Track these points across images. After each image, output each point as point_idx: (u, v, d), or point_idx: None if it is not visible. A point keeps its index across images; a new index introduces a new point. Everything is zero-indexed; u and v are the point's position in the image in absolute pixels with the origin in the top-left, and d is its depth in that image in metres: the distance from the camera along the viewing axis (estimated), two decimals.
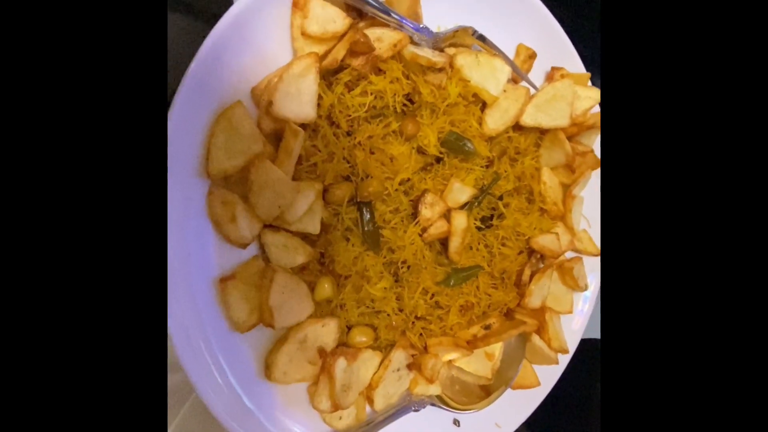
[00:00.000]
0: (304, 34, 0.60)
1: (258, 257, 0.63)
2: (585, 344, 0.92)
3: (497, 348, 0.80)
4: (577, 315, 0.90)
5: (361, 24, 0.65)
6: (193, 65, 0.54)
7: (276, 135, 0.62)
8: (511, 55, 0.80)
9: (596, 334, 1.01)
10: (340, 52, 0.61)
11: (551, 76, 0.83)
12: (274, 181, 0.57)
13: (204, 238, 0.58)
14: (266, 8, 0.59)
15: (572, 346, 0.87)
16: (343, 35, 0.63)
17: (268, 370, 0.63)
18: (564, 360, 0.86)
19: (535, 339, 0.82)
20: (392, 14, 0.64)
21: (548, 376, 0.85)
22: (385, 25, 0.65)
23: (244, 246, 0.60)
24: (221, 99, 0.57)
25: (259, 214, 0.59)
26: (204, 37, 0.55)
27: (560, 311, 0.86)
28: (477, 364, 0.79)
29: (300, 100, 0.59)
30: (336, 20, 0.61)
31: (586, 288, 0.88)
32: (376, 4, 0.63)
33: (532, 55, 0.81)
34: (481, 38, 0.74)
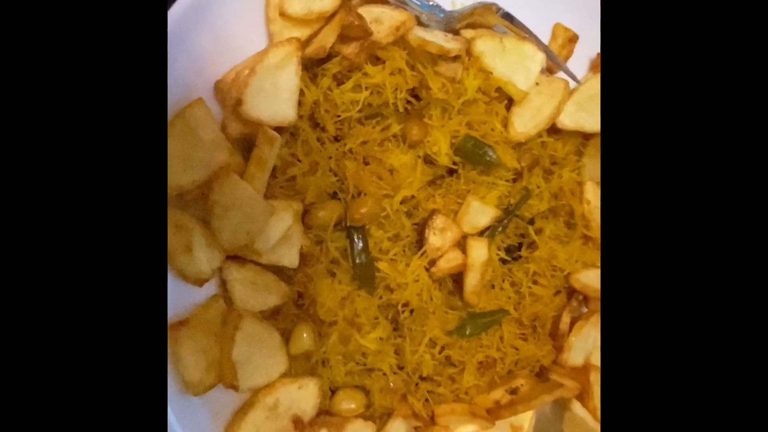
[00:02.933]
0: (283, 14, 0.67)
1: (218, 297, 0.69)
2: None
3: (527, 419, 0.86)
4: None
5: (355, 1, 0.72)
6: None
7: (245, 141, 0.69)
8: (545, 38, 0.87)
9: None
10: (328, 38, 0.67)
11: (597, 64, 0.91)
12: (242, 200, 0.64)
13: None
14: None
15: None
16: (332, 15, 0.70)
17: None
18: None
19: (576, 407, 0.87)
20: None
21: None
22: (385, 1, 0.73)
23: (200, 283, 0.66)
24: (177, 96, 0.64)
25: (223, 242, 0.65)
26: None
27: None
28: None
29: (277, 98, 0.66)
30: None
31: None
32: None
33: (573, 39, 0.88)
34: (508, 17, 0.82)
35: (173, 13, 0.63)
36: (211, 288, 0.69)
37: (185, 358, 0.65)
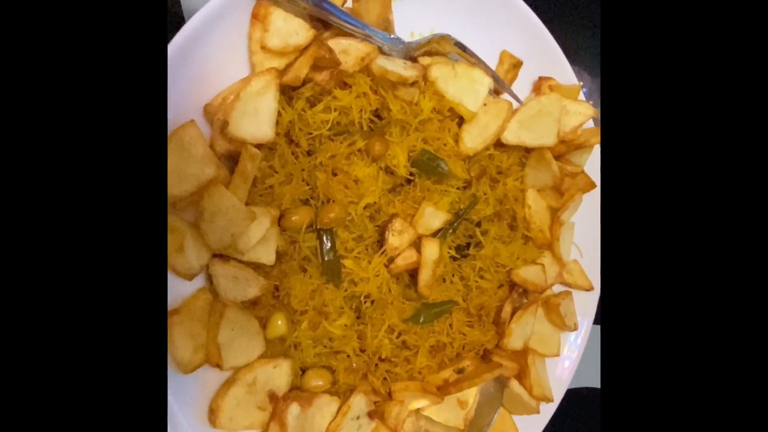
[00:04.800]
0: (263, 48, 0.78)
1: (205, 290, 0.79)
2: (573, 395, 1.12)
3: (471, 395, 0.98)
4: (565, 359, 1.10)
5: (326, 34, 0.83)
6: None
7: (230, 156, 0.79)
8: (493, 63, 1.00)
9: (587, 383, 1.22)
10: (303, 68, 0.78)
11: (539, 86, 1.04)
12: (227, 207, 0.74)
13: None
14: (223, 20, 0.76)
15: (557, 395, 1.07)
16: (306, 48, 0.80)
17: (212, 415, 0.80)
18: (547, 411, 1.06)
19: (514, 385, 1.01)
20: (359, 26, 0.83)
21: (529, 427, 1.04)
22: (352, 35, 0.84)
23: (190, 277, 0.77)
24: (173, 117, 0.74)
25: (209, 242, 0.75)
26: None
27: (545, 354, 1.06)
28: (448, 413, 0.97)
29: (257, 120, 0.76)
30: (299, 32, 0.79)
31: (575, 328, 1.08)
32: (343, 15, 0.81)
33: (517, 64, 1.01)
34: (460, 46, 0.93)
35: (172, 46, 0.73)
36: (199, 282, 0.79)
37: (177, 342, 0.76)
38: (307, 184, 0.84)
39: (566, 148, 1.04)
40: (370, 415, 0.90)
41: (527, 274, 1.01)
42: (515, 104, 0.99)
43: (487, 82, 0.93)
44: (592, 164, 1.07)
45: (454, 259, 0.96)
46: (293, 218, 0.82)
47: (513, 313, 1.02)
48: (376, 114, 0.88)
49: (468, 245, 0.98)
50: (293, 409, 0.83)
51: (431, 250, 0.90)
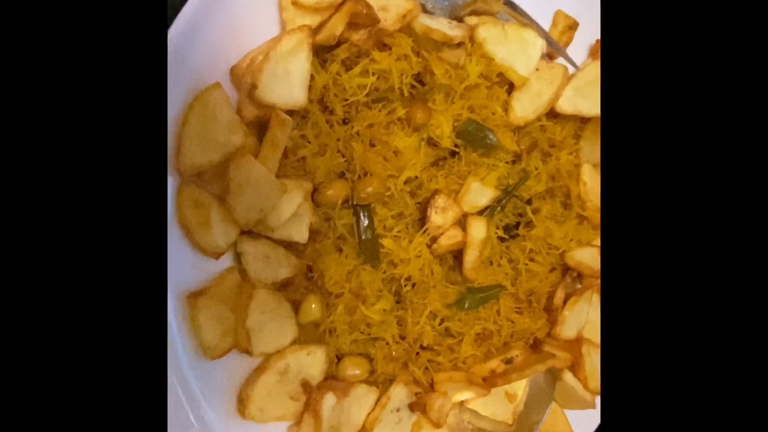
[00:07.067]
0: (295, 3, 0.72)
1: (233, 269, 0.75)
2: None
3: (521, 387, 0.92)
4: None
5: None
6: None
7: (259, 124, 0.73)
8: (546, 24, 0.92)
9: None
10: (338, 26, 0.72)
11: (596, 51, 0.95)
12: (256, 179, 0.69)
13: (170, 246, 0.69)
14: None
15: None
16: (341, 4, 0.74)
17: (241, 405, 0.75)
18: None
19: (568, 377, 0.94)
20: None
21: (583, 423, 0.97)
22: None
23: (217, 256, 0.72)
24: (196, 79, 0.68)
25: (237, 217, 0.70)
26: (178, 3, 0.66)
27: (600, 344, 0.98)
28: (495, 407, 0.91)
29: (289, 83, 0.71)
30: None
31: None
32: None
33: (573, 26, 0.93)
34: (510, 4, 0.86)
35: (196, 2, 0.67)
36: (227, 261, 0.74)
37: (203, 325, 0.71)
38: (343, 156, 0.80)
39: None
40: (411, 407, 0.85)
41: (582, 256, 0.95)
42: (571, 69, 0.92)
43: (540, 45, 0.86)
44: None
45: (502, 239, 0.91)
46: (328, 193, 0.78)
47: (566, 300, 0.95)
48: (418, 79, 0.82)
49: (517, 225, 0.93)
50: (329, 400, 0.78)
51: (477, 229, 0.85)
